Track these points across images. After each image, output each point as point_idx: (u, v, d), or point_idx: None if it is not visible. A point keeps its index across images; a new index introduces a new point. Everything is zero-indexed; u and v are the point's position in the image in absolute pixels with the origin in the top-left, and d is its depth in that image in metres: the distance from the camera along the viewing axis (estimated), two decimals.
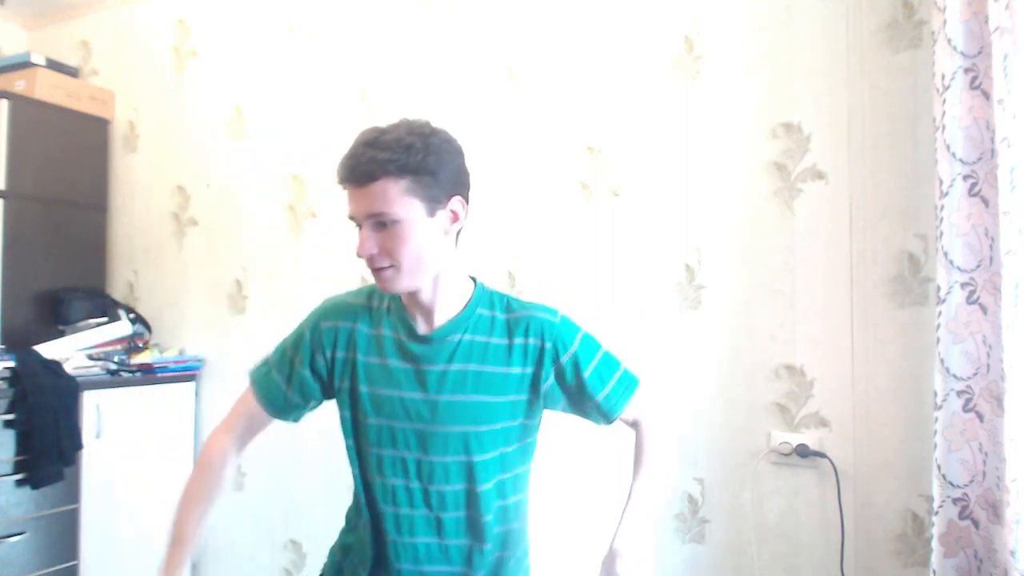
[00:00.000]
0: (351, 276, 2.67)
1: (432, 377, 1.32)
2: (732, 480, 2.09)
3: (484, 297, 1.38)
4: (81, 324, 2.87)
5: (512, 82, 2.44)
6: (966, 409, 1.68)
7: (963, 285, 1.67)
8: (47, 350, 2.65)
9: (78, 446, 2.52)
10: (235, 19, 2.98)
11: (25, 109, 2.86)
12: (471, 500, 1.32)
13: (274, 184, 2.85)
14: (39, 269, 2.90)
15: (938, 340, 1.69)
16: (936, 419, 1.69)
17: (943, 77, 1.67)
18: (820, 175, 2.01)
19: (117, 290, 3.19)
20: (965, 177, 1.66)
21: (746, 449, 2.07)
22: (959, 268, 1.67)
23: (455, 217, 1.30)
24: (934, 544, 1.70)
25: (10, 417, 2.40)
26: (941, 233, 1.68)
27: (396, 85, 2.63)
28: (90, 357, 2.76)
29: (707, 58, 2.17)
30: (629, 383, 1.42)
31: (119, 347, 2.85)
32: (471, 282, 1.40)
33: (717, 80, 2.15)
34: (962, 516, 1.68)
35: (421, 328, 1.34)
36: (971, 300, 1.67)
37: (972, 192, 1.66)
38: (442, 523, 1.32)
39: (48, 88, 2.98)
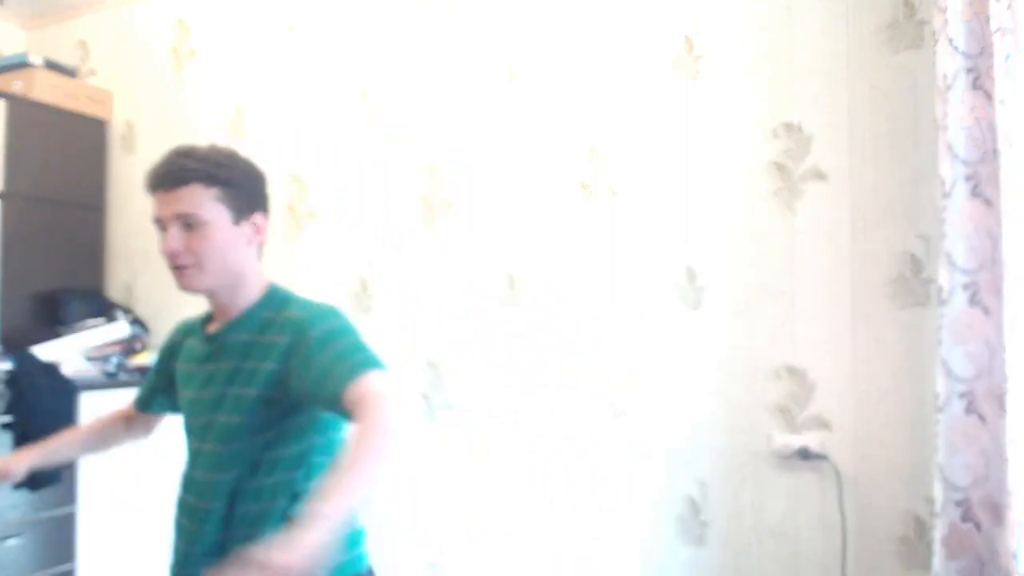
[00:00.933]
0: (350, 276, 2.67)
1: (209, 374, 1.42)
2: (733, 482, 2.08)
3: (272, 300, 1.44)
4: (79, 325, 2.86)
5: (512, 82, 2.43)
6: (968, 411, 1.67)
7: (965, 286, 1.67)
8: (45, 351, 2.64)
9: None
10: (235, 19, 2.97)
11: (23, 109, 2.85)
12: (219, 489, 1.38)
13: (274, 184, 2.83)
14: (37, 270, 2.89)
15: (940, 341, 1.68)
16: (938, 421, 1.68)
17: (945, 77, 1.66)
18: (821, 175, 2.01)
19: (115, 291, 3.18)
20: (967, 178, 1.66)
21: (747, 451, 2.07)
22: (961, 269, 1.66)
23: (258, 230, 1.43)
24: (936, 547, 1.69)
25: (7, 419, 2.39)
26: (943, 234, 1.68)
27: (396, 85, 2.62)
28: (88, 359, 2.74)
29: (707, 58, 2.16)
30: (356, 365, 1.25)
31: (117, 349, 2.84)
32: (268, 289, 1.46)
33: (717, 80, 2.14)
34: (964, 519, 1.68)
35: (213, 330, 1.45)
36: (973, 301, 1.66)
37: (974, 193, 1.65)
38: (200, 513, 1.38)
39: (46, 88, 2.97)
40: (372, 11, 2.69)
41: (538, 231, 2.37)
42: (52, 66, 3.06)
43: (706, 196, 2.15)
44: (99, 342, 2.82)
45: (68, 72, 3.15)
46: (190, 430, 1.46)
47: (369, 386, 1.21)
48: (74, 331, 2.83)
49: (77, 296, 2.95)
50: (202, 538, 1.37)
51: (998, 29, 1.57)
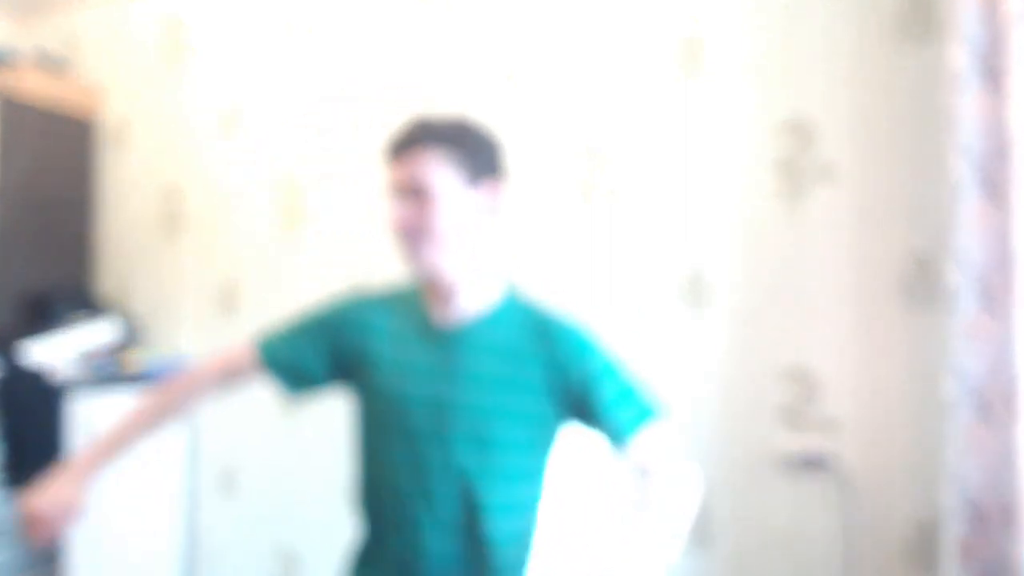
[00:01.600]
0: (348, 277, 2.64)
1: (450, 372, 1.27)
2: (737, 485, 2.06)
3: (515, 297, 1.34)
4: (70, 325, 2.83)
5: (512, 82, 2.41)
6: (978, 414, 1.65)
7: (976, 287, 1.64)
8: (34, 352, 2.61)
9: (65, 451, 2.48)
10: (231, 16, 2.94)
11: (11, 106, 2.81)
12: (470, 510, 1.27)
13: (268, 184, 2.82)
14: (26, 269, 2.85)
15: (949, 343, 1.66)
16: (947, 424, 1.66)
17: (955, 71, 1.64)
18: (828, 174, 1.99)
19: (106, 291, 3.14)
20: (978, 175, 1.63)
21: (751, 454, 2.05)
22: (972, 269, 1.64)
23: (494, 197, 1.29)
24: (944, 553, 1.67)
25: None
26: (953, 233, 1.65)
27: (395, 85, 2.60)
28: (78, 359, 2.71)
29: (709, 55, 2.14)
30: (643, 410, 1.31)
31: (108, 348, 2.81)
32: (502, 280, 1.35)
33: (720, 77, 2.12)
34: (974, 524, 1.65)
35: (443, 320, 1.29)
36: (984, 302, 1.64)
37: (986, 191, 1.63)
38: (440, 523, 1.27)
39: (36, 84, 2.94)
40: (370, 10, 2.66)
41: (538, 231, 2.35)
42: (43, 62, 3.02)
43: (709, 196, 2.12)
44: (89, 342, 2.79)
45: (58, 68, 3.11)
46: (403, 429, 1.27)
47: (660, 443, 1.31)
48: (64, 331, 2.80)
49: (67, 296, 2.92)
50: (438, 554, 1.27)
51: (1013, 21, 1.54)
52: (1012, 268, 1.59)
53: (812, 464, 1.96)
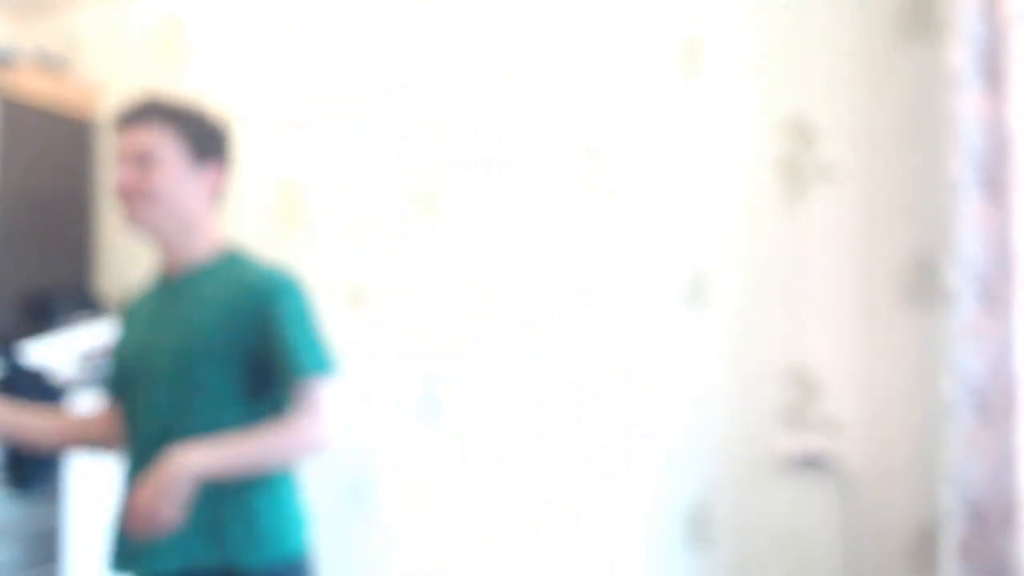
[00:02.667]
0: (346, 277, 2.64)
1: (165, 319, 1.43)
2: (738, 486, 2.06)
3: (235, 257, 1.48)
4: (70, 326, 2.83)
5: (512, 82, 2.40)
6: (978, 415, 1.65)
7: (976, 287, 1.64)
8: (34, 352, 2.61)
9: (62, 452, 2.48)
10: (230, 16, 2.94)
11: (10, 106, 2.81)
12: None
13: (268, 184, 2.82)
14: (25, 268, 2.85)
15: (950, 344, 1.66)
16: (947, 425, 1.66)
17: (955, 71, 1.64)
18: (828, 174, 1.98)
19: (107, 290, 3.14)
20: (979, 175, 1.63)
21: (752, 454, 2.04)
22: (972, 269, 1.64)
23: (215, 178, 1.46)
24: (945, 553, 1.67)
25: None
26: (954, 233, 1.65)
27: (395, 85, 2.60)
28: (78, 359, 2.71)
29: (710, 54, 2.14)
30: (312, 363, 1.37)
31: (108, 349, 2.81)
32: (224, 243, 1.50)
33: (720, 77, 2.12)
34: (974, 525, 1.66)
35: (169, 275, 1.46)
36: (984, 303, 1.64)
37: (986, 191, 1.63)
38: None
39: (34, 84, 2.93)
40: (370, 11, 2.66)
41: (538, 231, 2.35)
42: (40, 61, 3.02)
43: (710, 196, 2.12)
44: (89, 342, 2.79)
45: (57, 67, 3.11)
46: (125, 375, 1.46)
47: (315, 394, 1.35)
48: (64, 331, 2.80)
49: (67, 296, 2.92)
50: None
51: (1013, 19, 1.54)
52: (1012, 268, 1.59)
53: (812, 464, 1.96)
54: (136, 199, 1.39)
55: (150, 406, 1.40)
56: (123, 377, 1.47)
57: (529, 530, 2.31)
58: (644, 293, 2.19)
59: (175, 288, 1.44)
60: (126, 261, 3.12)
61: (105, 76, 3.21)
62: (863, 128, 1.94)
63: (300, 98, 2.77)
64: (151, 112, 1.40)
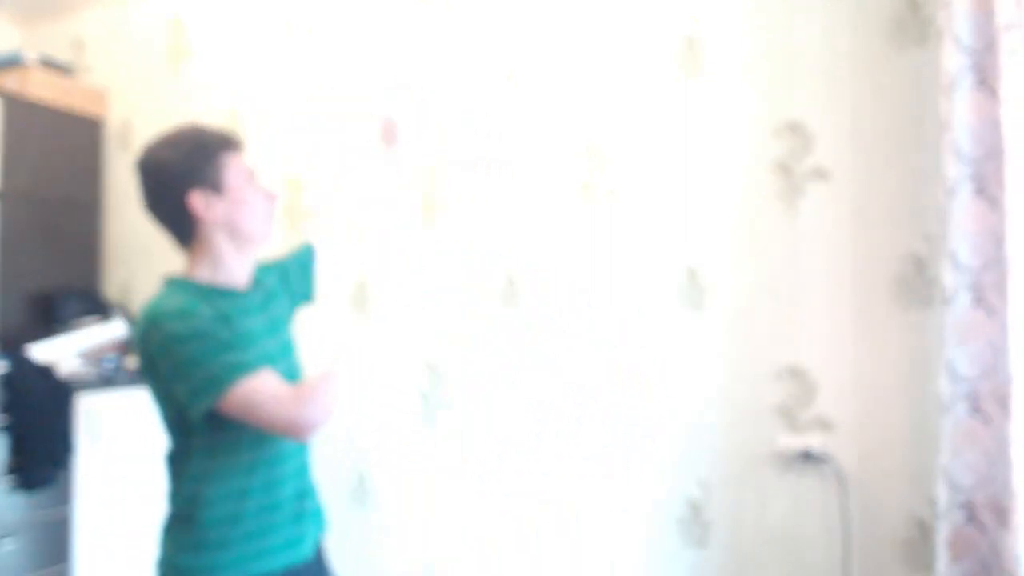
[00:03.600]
0: (349, 277, 2.65)
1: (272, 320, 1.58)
2: (735, 483, 2.07)
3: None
4: (75, 325, 2.85)
5: (512, 82, 2.41)
6: (972, 412, 1.66)
7: (969, 286, 1.66)
8: (41, 351, 2.62)
9: (70, 449, 2.50)
10: (232, 17, 2.95)
11: (18, 108, 2.83)
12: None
13: (271, 183, 2.82)
14: (33, 269, 2.87)
15: (944, 342, 1.67)
16: (942, 422, 1.67)
17: (949, 75, 1.65)
18: (824, 175, 1.99)
19: (112, 291, 3.16)
20: (972, 177, 1.64)
21: (749, 452, 2.06)
22: (965, 269, 1.65)
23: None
24: (939, 549, 1.68)
25: (3, 421, 2.38)
26: (947, 233, 1.66)
27: (395, 85, 2.60)
28: (84, 359, 2.73)
29: (708, 57, 2.15)
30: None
31: (114, 349, 2.82)
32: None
33: (719, 79, 2.13)
34: (968, 520, 1.67)
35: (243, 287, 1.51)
36: (977, 301, 1.65)
37: (979, 192, 1.64)
38: None
39: (41, 86, 2.95)
40: (370, 11, 2.67)
41: (538, 231, 2.36)
42: (47, 64, 3.04)
43: (707, 196, 2.13)
44: (95, 342, 2.81)
45: (63, 70, 3.13)
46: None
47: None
48: (70, 331, 2.81)
49: (73, 295, 2.93)
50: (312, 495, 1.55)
51: (1004, 25, 1.55)
52: (1005, 268, 1.60)
53: (809, 462, 1.97)
54: None
55: None
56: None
57: (528, 529, 2.33)
58: (642, 293, 2.20)
59: (259, 301, 1.52)
60: (133, 262, 3.14)
61: (110, 78, 3.23)
62: (859, 130, 1.95)
63: (301, 98, 2.78)
64: None
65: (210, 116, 2.96)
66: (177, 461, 1.41)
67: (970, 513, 1.66)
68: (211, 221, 1.42)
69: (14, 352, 2.55)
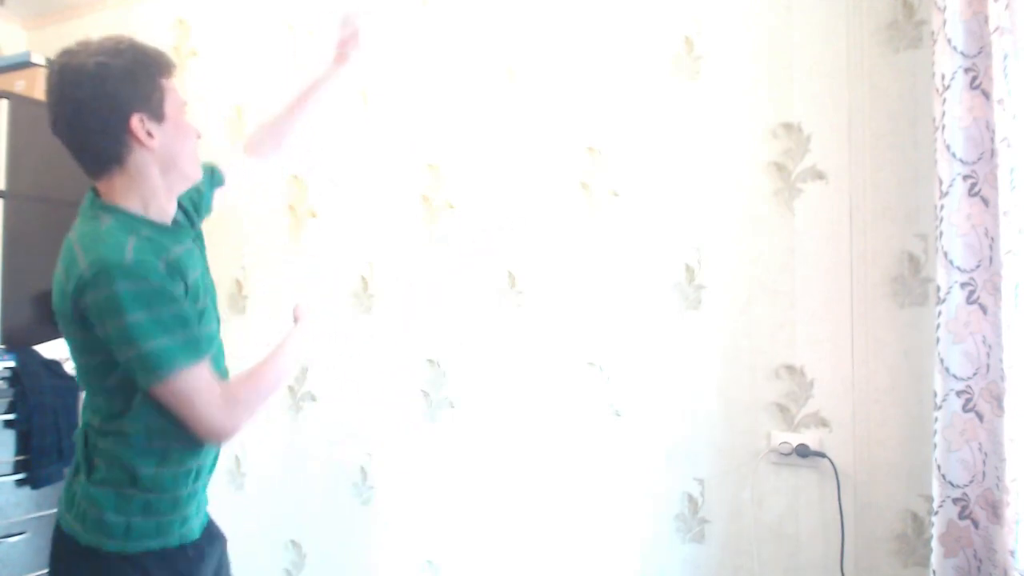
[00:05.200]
0: (350, 275, 2.67)
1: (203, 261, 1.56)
2: (732, 480, 2.09)
3: None
4: None
5: (512, 82, 2.43)
6: (966, 409, 1.68)
7: (963, 285, 1.67)
8: (47, 350, 2.64)
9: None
10: (235, 19, 2.97)
11: (25, 109, 2.85)
12: None
13: (274, 184, 2.84)
14: (39, 269, 2.86)
15: (938, 340, 1.69)
16: (936, 419, 1.69)
17: (943, 77, 1.67)
18: (820, 175, 2.01)
19: None
20: (965, 177, 1.66)
21: (746, 449, 2.07)
22: (959, 268, 1.67)
23: None
24: (934, 544, 1.70)
25: (10, 417, 2.40)
26: (941, 233, 1.68)
27: (395, 85, 2.62)
28: None
29: (707, 58, 2.17)
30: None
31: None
32: None
33: (717, 80, 2.15)
34: (962, 516, 1.68)
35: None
36: (971, 300, 1.67)
37: (972, 192, 1.66)
38: None
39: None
40: (370, 12, 2.67)
41: (538, 231, 2.38)
42: None
43: (706, 196, 2.15)
44: None
45: None
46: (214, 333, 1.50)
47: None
48: None
49: None
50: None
51: (996, 29, 1.57)
52: (998, 267, 1.61)
53: (805, 458, 1.98)
54: None
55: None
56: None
57: (528, 525, 2.35)
58: (640, 291, 2.22)
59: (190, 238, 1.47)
60: None
61: None
62: (854, 131, 1.97)
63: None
64: None
65: (214, 117, 2.98)
66: (115, 418, 1.31)
67: (964, 508, 1.68)
68: (150, 150, 1.29)
69: (20, 351, 2.57)
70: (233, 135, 2.94)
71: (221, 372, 1.45)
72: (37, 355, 2.58)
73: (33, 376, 2.46)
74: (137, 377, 1.23)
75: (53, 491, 2.47)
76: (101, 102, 1.24)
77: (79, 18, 3.37)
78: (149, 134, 1.28)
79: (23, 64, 2.99)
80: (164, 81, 1.33)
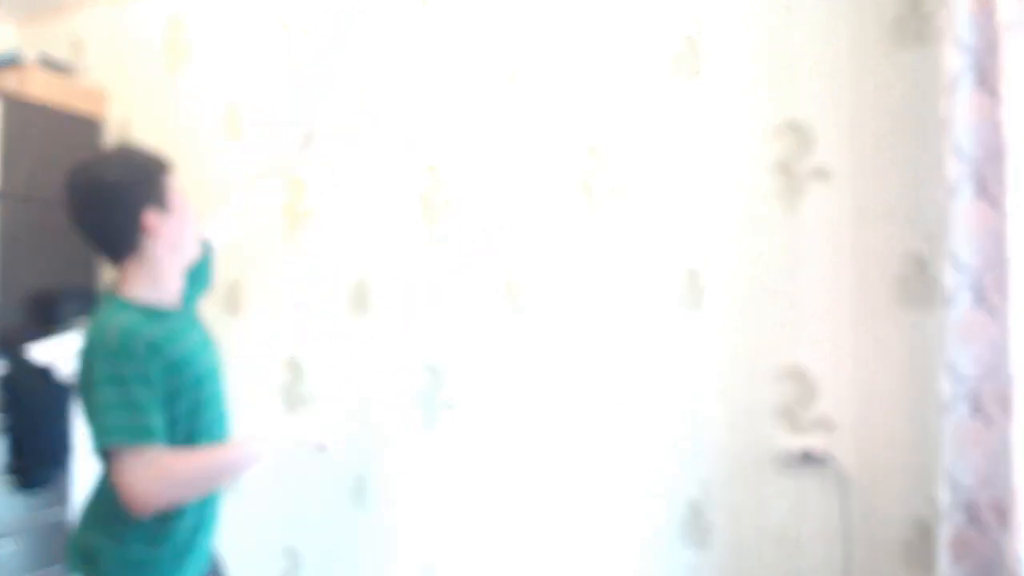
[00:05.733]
0: (348, 277, 2.65)
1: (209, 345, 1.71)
2: (735, 484, 2.07)
3: None
4: (75, 324, 2.84)
5: (512, 82, 2.41)
6: (974, 413, 1.66)
7: (970, 286, 1.65)
8: (40, 351, 2.62)
9: (69, 450, 2.49)
10: (229, 17, 2.95)
11: (17, 108, 2.83)
12: None
13: (270, 183, 2.82)
14: (32, 269, 2.87)
15: (945, 342, 1.67)
16: (943, 423, 1.67)
17: (950, 74, 1.65)
18: (824, 175, 1.99)
19: None
20: (972, 177, 1.64)
21: (750, 453, 2.06)
22: (966, 269, 1.65)
23: None
24: (941, 550, 1.68)
25: (1, 421, 2.38)
26: (948, 233, 1.66)
27: (395, 85, 2.60)
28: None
29: (709, 57, 2.15)
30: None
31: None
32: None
33: (719, 79, 2.13)
34: (969, 522, 1.66)
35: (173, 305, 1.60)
36: (979, 302, 1.65)
37: (979, 192, 1.64)
38: None
39: (40, 86, 2.95)
40: (369, 10, 2.66)
41: (539, 231, 2.36)
42: (46, 64, 3.04)
43: (708, 196, 2.13)
44: None
45: (62, 70, 3.12)
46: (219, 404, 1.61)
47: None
48: (70, 330, 2.81)
49: (73, 295, 2.93)
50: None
51: (1005, 24, 1.55)
52: (1006, 268, 1.59)
53: (809, 463, 1.97)
54: None
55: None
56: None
57: (529, 528, 2.33)
58: (642, 293, 2.20)
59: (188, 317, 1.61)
60: None
61: (109, 77, 3.22)
62: (859, 130, 1.95)
63: (300, 98, 2.78)
64: None
65: (209, 116, 2.96)
66: None
67: (971, 514, 1.66)
68: (161, 238, 1.48)
69: (13, 352, 2.55)
70: (228, 135, 2.91)
71: (220, 438, 1.59)
72: (29, 358, 2.56)
73: (24, 379, 2.44)
74: (95, 441, 1.41)
75: (44, 496, 2.46)
76: (114, 203, 1.47)
77: (72, 15, 3.34)
78: (159, 223, 1.48)
79: (15, 62, 2.96)
80: (168, 176, 1.53)
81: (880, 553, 1.91)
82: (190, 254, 1.57)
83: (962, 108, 1.63)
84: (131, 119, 3.16)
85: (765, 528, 2.03)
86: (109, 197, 1.45)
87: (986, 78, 1.62)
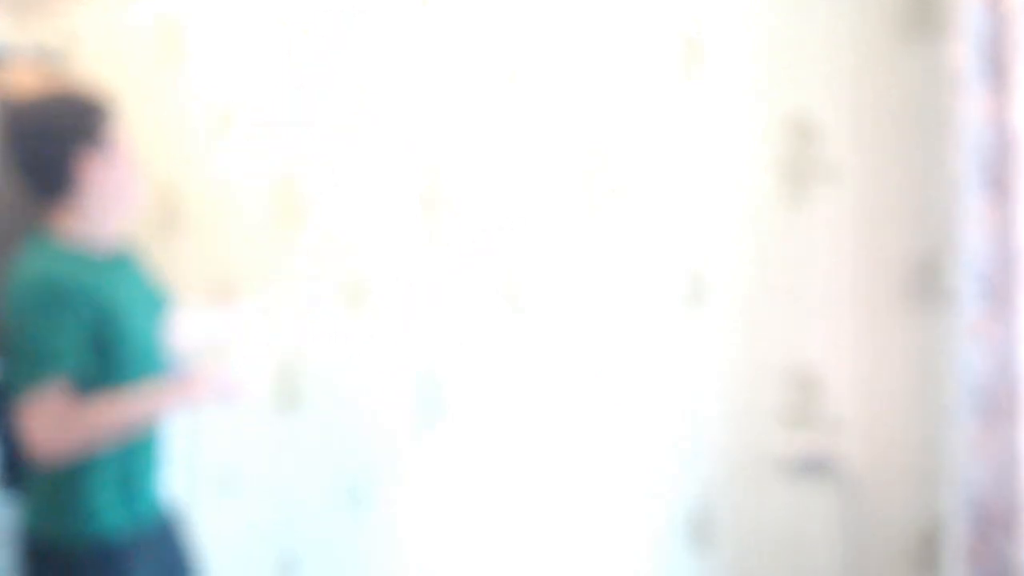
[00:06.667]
0: (345, 278, 2.64)
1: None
2: (739, 487, 2.06)
3: None
4: None
5: (513, 83, 2.40)
6: (982, 416, 1.64)
7: (980, 287, 1.63)
8: None
9: None
10: (227, 15, 2.94)
11: (9, 104, 2.81)
12: None
13: (266, 183, 2.81)
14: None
15: (953, 345, 1.65)
16: (950, 427, 1.66)
17: (958, 69, 1.62)
18: (829, 173, 1.98)
19: None
20: (983, 174, 1.62)
21: (753, 456, 2.04)
22: (976, 269, 1.63)
23: None
24: (947, 557, 1.67)
25: None
26: (957, 232, 1.64)
27: (394, 85, 2.59)
28: None
29: (711, 54, 2.13)
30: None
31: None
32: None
33: (721, 76, 2.12)
34: (977, 527, 1.65)
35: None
36: (988, 303, 1.63)
37: (990, 190, 1.62)
38: None
39: (33, 82, 2.93)
40: (368, 10, 2.65)
41: (539, 231, 2.35)
42: (40, 59, 3.03)
43: (711, 195, 2.12)
44: None
45: (56, 66, 3.11)
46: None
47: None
48: None
49: None
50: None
51: (1016, 15, 1.53)
52: (1016, 268, 1.58)
53: (814, 466, 1.95)
54: None
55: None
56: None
57: (529, 532, 2.32)
58: (644, 293, 2.19)
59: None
60: None
61: (103, 75, 3.20)
62: (865, 127, 1.94)
63: (298, 97, 2.77)
64: None
65: (204, 115, 2.95)
66: None
67: (979, 519, 1.64)
68: (99, 182, 1.50)
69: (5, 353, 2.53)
70: (224, 134, 2.90)
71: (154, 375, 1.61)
72: None
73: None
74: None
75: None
76: (53, 141, 1.49)
77: (66, 11, 3.32)
78: (99, 166, 1.50)
79: (7, 58, 2.95)
80: (111, 121, 1.56)
81: (885, 558, 1.90)
82: (131, 205, 1.62)
83: (971, 103, 1.61)
84: (125, 116, 3.14)
85: (767, 531, 2.02)
86: (48, 133, 1.48)
87: (996, 72, 1.60)
